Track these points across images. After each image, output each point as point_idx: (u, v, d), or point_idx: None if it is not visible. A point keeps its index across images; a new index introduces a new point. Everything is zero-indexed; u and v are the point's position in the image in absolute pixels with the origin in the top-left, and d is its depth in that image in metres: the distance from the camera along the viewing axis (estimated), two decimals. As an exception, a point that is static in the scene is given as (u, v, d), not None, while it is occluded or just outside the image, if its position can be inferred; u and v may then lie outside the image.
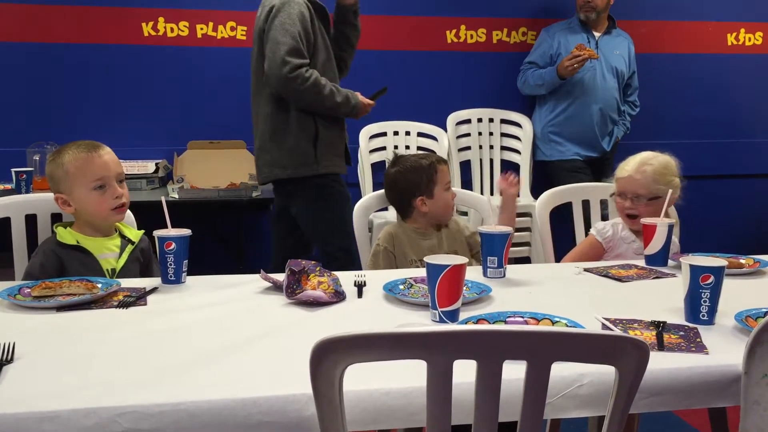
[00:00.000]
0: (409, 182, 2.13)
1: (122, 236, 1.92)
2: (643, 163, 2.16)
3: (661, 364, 1.16)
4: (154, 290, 1.62)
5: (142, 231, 1.97)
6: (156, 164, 3.37)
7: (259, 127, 2.85)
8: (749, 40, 4.27)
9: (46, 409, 1.00)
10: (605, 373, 1.04)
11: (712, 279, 1.39)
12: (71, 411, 1.00)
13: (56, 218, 1.98)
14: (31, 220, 2.04)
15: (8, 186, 3.10)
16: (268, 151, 2.81)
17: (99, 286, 1.59)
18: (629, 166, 2.18)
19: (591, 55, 3.49)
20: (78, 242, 1.84)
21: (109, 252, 1.87)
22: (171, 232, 1.71)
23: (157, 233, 1.70)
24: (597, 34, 3.74)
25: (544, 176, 3.82)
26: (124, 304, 1.50)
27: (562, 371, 1.07)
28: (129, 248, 1.90)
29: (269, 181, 2.90)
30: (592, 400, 1.11)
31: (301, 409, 1.04)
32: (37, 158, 3.15)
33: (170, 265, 1.67)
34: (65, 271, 1.80)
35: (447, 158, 3.74)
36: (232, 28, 3.67)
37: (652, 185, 2.13)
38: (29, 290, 1.55)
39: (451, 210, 2.19)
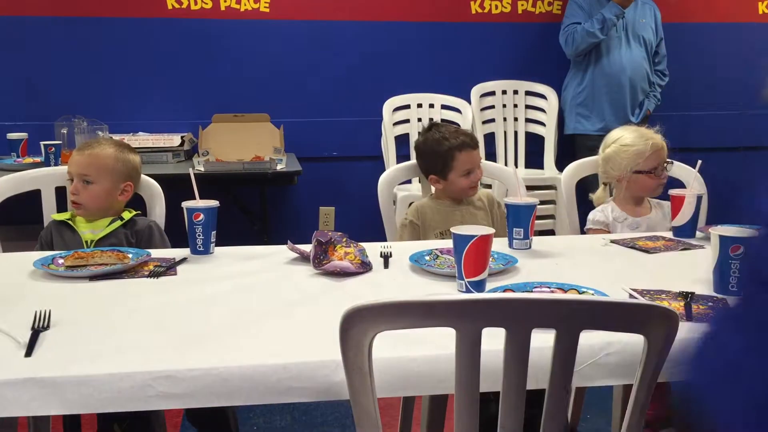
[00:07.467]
0: (427, 162, 2.18)
1: (120, 217, 1.93)
2: (649, 133, 2.14)
3: (689, 332, 1.16)
4: (183, 260, 1.64)
5: (134, 212, 1.96)
6: (181, 137, 3.38)
7: None
8: (781, 8, 4.17)
9: (82, 373, 1.03)
10: (632, 342, 1.04)
11: (741, 250, 1.38)
12: (107, 375, 1.03)
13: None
14: (60, 192, 2.07)
15: (37, 159, 3.14)
16: None
17: (130, 256, 1.61)
18: (644, 139, 2.12)
19: None
20: (69, 219, 1.92)
21: (96, 228, 1.91)
22: (199, 203, 1.72)
23: (185, 204, 1.71)
24: None
25: (570, 149, 3.78)
26: (154, 274, 1.52)
27: (589, 339, 1.07)
28: (114, 225, 1.90)
29: None
30: (619, 369, 1.11)
31: (331, 374, 1.05)
32: (65, 131, 3.17)
33: (199, 236, 1.69)
34: (54, 243, 1.90)
35: (471, 130, 3.71)
36: (256, 1, 3.65)
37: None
38: (62, 260, 1.58)
39: (469, 192, 2.15)
